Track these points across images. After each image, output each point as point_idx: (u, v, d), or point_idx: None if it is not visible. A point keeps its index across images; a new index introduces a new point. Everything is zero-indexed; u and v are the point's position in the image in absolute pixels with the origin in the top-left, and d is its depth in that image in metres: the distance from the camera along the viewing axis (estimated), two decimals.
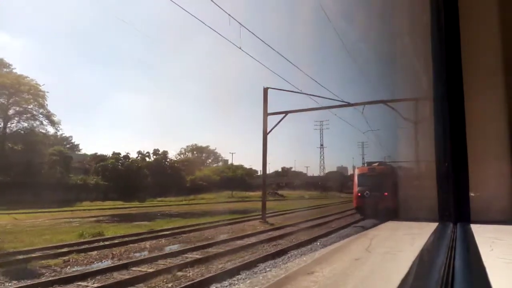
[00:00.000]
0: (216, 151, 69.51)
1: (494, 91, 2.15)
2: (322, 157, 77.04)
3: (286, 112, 21.43)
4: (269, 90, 21.39)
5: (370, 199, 17.73)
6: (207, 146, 68.66)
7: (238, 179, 57.58)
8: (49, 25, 58.95)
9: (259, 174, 70.93)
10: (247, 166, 69.22)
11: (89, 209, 27.25)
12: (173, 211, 27.37)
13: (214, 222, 17.53)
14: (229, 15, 13.14)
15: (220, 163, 68.55)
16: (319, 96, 21.32)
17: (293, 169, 74.63)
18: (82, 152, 52.67)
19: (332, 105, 21.24)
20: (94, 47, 62.43)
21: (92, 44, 62.96)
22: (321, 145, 76.47)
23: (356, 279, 0.98)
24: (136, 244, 11.26)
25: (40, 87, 33.78)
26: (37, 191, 30.29)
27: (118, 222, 18.39)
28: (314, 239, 12.29)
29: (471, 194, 2.08)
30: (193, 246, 10.66)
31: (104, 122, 73.18)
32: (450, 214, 2.12)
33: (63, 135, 50.78)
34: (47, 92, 34.23)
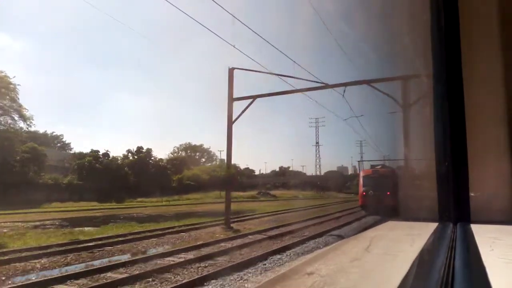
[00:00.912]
0: (210, 150, 67.70)
1: (494, 91, 2.15)
2: (317, 156, 75.21)
3: (254, 97, 18.92)
4: (235, 71, 18.66)
5: (374, 198, 20.73)
6: (201, 145, 67.48)
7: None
8: (50, 25, 59.00)
9: (256, 173, 70.12)
10: (247, 166, 68.41)
11: (47, 211, 24.92)
12: (145, 213, 25.60)
13: (171, 227, 15.81)
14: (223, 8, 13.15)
15: (215, 163, 67.05)
16: (291, 77, 18.36)
17: (290, 169, 73.19)
18: (75, 151, 50.17)
19: (309, 87, 18.58)
20: (94, 47, 62.42)
21: (92, 44, 62.96)
22: (317, 142, 74.93)
23: (356, 280, 0.98)
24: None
25: (10, 79, 31.34)
26: (2, 191, 28.15)
27: (57, 228, 16.46)
28: (263, 257, 9.66)
29: (471, 194, 2.08)
30: (93, 268, 8.52)
31: (104, 123, 73.14)
32: (450, 214, 2.12)
33: (54, 133, 49.51)
34: (18, 85, 31.70)
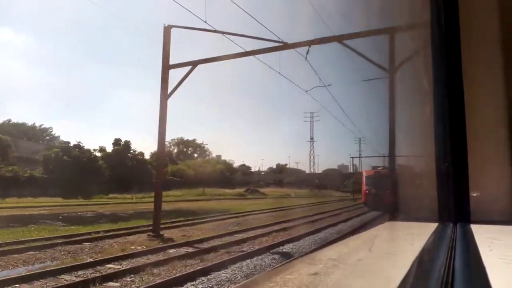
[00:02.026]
0: (203, 145, 65.88)
1: (494, 91, 2.15)
2: (312, 152, 71.92)
3: (195, 63, 15.23)
4: (174, 30, 14.92)
5: (376, 196, 23.32)
6: (194, 140, 65.63)
7: (216, 175, 51.86)
8: (52, 22, 58.94)
9: (252, 170, 68.92)
10: (243, 163, 67.10)
11: None
12: (97, 212, 23.73)
13: (88, 233, 13.51)
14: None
15: (207, 158, 65.35)
16: (241, 35, 14.52)
17: (288, 166, 71.67)
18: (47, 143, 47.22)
19: (264, 48, 14.48)
20: (96, 45, 62.28)
21: (94, 42, 62.85)
22: (311, 138, 72.21)
23: (358, 280, 0.99)
24: None
25: None
26: None
27: None
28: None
29: (471, 194, 2.08)
30: None
31: (106, 120, 72.97)
32: (450, 214, 2.12)
33: (42, 126, 47.70)
34: None
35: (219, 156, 65.78)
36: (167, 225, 16.63)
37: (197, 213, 24.45)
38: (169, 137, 64.25)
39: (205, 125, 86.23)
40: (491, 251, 1.28)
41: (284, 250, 11.35)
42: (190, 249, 11.20)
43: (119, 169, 41.72)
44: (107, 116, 72.91)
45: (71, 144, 41.65)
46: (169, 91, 15.26)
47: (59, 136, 50.09)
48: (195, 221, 19.29)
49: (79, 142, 42.02)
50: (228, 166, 61.24)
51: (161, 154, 17.05)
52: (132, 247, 11.60)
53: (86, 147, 43.26)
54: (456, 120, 2.12)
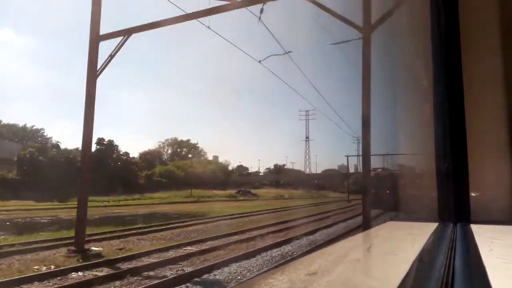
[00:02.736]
0: (198, 145, 63.57)
1: (494, 91, 2.15)
2: (307, 152, 69.37)
3: (128, 32, 12.50)
4: None
5: (376, 195, 23.71)
6: (188, 140, 63.19)
7: (207, 176, 49.37)
8: (53, 22, 59.00)
9: (250, 171, 67.81)
10: (240, 164, 65.93)
11: None
12: (58, 217, 21.65)
13: (7, 245, 11.88)
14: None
15: (203, 159, 63.27)
16: None
17: (286, 166, 69.88)
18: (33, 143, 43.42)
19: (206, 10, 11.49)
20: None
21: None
22: (307, 137, 69.32)
23: (357, 280, 0.98)
24: None
25: None
26: None
27: None
28: None
29: (471, 194, 2.08)
30: None
31: (109, 120, 72.80)
32: (450, 214, 2.13)
33: (34, 127, 45.74)
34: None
35: (216, 157, 64.81)
36: (108, 236, 14.24)
37: (171, 217, 22.65)
38: (163, 137, 63.56)
39: (204, 125, 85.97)
40: (491, 251, 1.28)
41: (217, 277, 8.71)
42: (112, 270, 8.99)
43: (101, 170, 38.42)
44: (105, 115, 72.58)
45: (56, 144, 39.67)
46: (98, 66, 12.42)
47: (52, 137, 48.19)
48: (153, 228, 16.70)
49: (58, 142, 40.41)
50: (220, 166, 59.06)
51: (87, 149, 13.33)
52: (36, 267, 9.23)
53: (72, 147, 41.10)
54: (456, 120, 2.12)
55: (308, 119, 68.45)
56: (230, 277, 8.76)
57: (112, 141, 45.43)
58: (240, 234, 15.25)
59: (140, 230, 16.10)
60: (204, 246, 12.48)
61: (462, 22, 2.16)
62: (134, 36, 12.63)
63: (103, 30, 12.81)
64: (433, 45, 2.46)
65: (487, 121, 2.17)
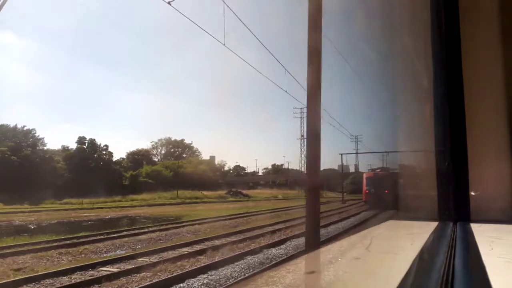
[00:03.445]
0: (192, 145, 61.17)
1: (494, 91, 2.15)
2: (302, 150, 63.54)
3: None
4: None
5: (375, 195, 25.72)
6: (182, 140, 61.10)
7: (197, 176, 46.88)
8: (53, 24, 59.01)
9: (247, 171, 66.61)
10: (238, 164, 64.63)
11: None
12: (11, 221, 20.08)
13: None
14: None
15: (199, 158, 60.59)
16: None
17: (285, 166, 68.35)
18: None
19: None
20: (97, 46, 62.12)
21: (95, 43, 62.82)
22: (302, 135, 63.48)
23: (357, 279, 0.99)
24: None
25: None
26: None
27: None
28: None
29: (471, 193, 2.08)
30: None
31: (109, 122, 72.55)
32: (450, 213, 2.13)
33: (25, 127, 42.79)
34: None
35: (213, 157, 64.12)
36: (22, 249, 11.85)
37: (136, 222, 20.16)
38: (157, 137, 62.62)
39: (200, 125, 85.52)
40: (491, 250, 1.29)
41: None
42: None
43: (81, 171, 36.50)
44: (109, 117, 72.39)
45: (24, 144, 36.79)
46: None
47: (43, 138, 45.54)
48: (93, 238, 14.09)
49: (43, 139, 37.63)
50: (212, 166, 56.50)
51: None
52: None
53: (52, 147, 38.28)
54: (456, 120, 2.12)
55: (303, 117, 65.64)
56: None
57: (94, 139, 42.75)
58: (193, 245, 12.49)
59: (72, 241, 13.37)
60: (129, 265, 9.66)
61: (462, 21, 2.16)
62: (133, 35, 12.27)
63: None
64: (433, 45, 2.46)
65: (487, 121, 2.17)
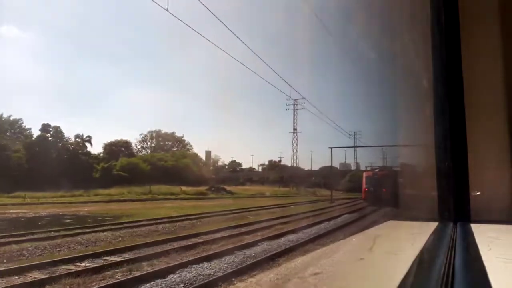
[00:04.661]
0: (184, 138, 56.86)
1: (494, 91, 2.16)
2: (295, 145, 59.72)
3: None
4: None
5: (374, 193, 26.76)
6: (173, 133, 57.03)
7: (178, 170, 43.39)
8: (58, 21, 58.84)
9: (243, 167, 64.57)
10: (233, 159, 62.99)
11: None
12: None
13: None
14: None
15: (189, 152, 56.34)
16: None
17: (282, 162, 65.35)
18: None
19: None
20: (100, 43, 61.79)
21: (98, 40, 62.58)
22: (294, 129, 58.86)
23: (359, 279, 1.00)
24: None
25: None
26: None
27: None
28: None
29: (471, 193, 2.09)
30: None
31: (111, 117, 72.02)
32: (450, 213, 2.14)
33: (11, 117, 40.20)
34: None
35: (208, 152, 62.58)
36: None
37: (61, 221, 17.03)
38: (145, 129, 60.55)
39: (197, 121, 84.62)
40: (491, 250, 1.29)
41: None
42: None
43: (40, 162, 32.69)
44: (112, 113, 71.63)
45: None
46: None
47: (30, 128, 41.81)
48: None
49: (30, 129, 34.22)
50: (197, 160, 52.04)
51: None
52: None
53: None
54: (456, 120, 2.13)
55: (296, 109, 56.74)
56: None
57: (58, 127, 38.61)
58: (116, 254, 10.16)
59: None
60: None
61: (462, 22, 2.17)
62: (129, 34, 12.08)
63: None
64: (433, 44, 2.46)
65: (487, 121, 2.17)
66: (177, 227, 15.98)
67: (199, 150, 62.25)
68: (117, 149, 45.71)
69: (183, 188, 39.22)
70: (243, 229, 15.04)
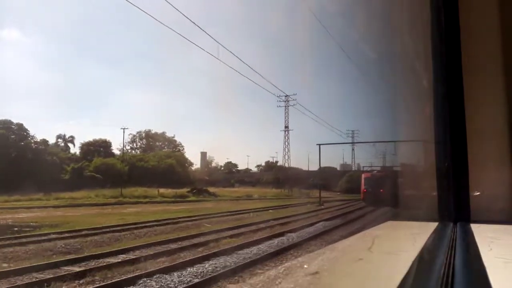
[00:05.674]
0: (174, 139, 55.78)
1: (494, 91, 2.16)
2: (286, 143, 56.33)
3: None
4: None
5: (372, 193, 27.55)
6: (163, 133, 55.69)
7: (160, 171, 40.62)
8: (58, 22, 58.85)
9: (239, 168, 63.37)
10: (229, 160, 61.93)
11: None
12: None
13: None
14: None
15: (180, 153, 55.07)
16: None
17: (279, 163, 63.24)
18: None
19: None
20: (100, 44, 61.84)
21: (98, 41, 62.57)
22: (286, 127, 55.47)
23: (359, 279, 0.99)
24: None
25: None
26: None
27: None
28: None
29: (471, 194, 2.09)
30: None
31: (111, 119, 71.82)
32: (450, 213, 2.13)
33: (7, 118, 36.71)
34: None
35: (204, 153, 61.89)
36: None
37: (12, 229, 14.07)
38: (135, 129, 59.00)
39: (195, 122, 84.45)
40: (491, 251, 1.29)
41: None
42: None
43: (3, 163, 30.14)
44: (112, 115, 71.58)
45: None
46: None
47: (28, 130, 38.70)
48: None
49: (29, 133, 32.24)
50: (181, 161, 49.44)
51: None
52: None
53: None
54: (456, 120, 2.13)
55: (288, 105, 53.78)
56: None
57: (22, 124, 35.85)
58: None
59: None
60: None
61: (462, 22, 2.17)
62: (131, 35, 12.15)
63: None
64: (433, 45, 2.46)
65: (487, 121, 2.17)
66: (88, 242, 11.65)
67: (195, 151, 61.53)
68: (94, 149, 43.03)
69: (162, 190, 35.96)
70: (173, 246, 11.05)
